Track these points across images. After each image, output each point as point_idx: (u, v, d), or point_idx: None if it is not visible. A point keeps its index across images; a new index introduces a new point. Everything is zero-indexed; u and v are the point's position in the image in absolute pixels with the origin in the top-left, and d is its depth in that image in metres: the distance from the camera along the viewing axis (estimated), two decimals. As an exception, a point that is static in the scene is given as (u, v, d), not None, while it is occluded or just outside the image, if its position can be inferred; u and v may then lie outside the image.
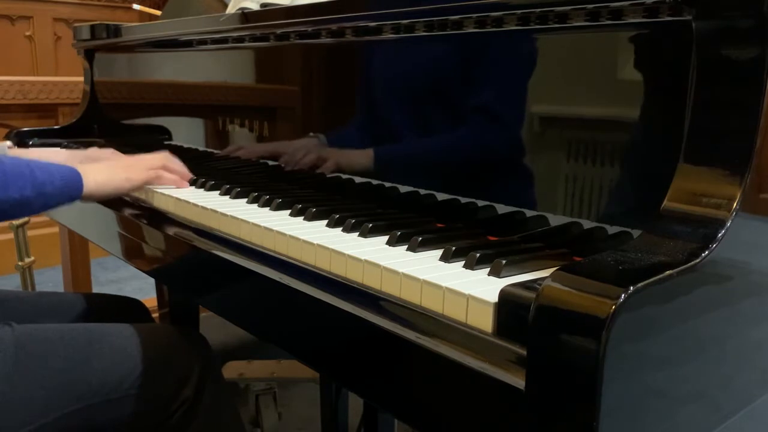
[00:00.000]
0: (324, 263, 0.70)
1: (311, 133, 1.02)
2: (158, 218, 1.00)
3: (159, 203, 1.02)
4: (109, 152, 1.21)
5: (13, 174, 0.86)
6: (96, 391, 0.88)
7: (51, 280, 2.83)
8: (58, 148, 1.27)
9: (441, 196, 0.82)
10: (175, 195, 0.99)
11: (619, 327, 0.43)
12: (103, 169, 1.02)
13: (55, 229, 2.28)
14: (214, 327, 1.52)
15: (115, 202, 1.13)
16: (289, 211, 0.87)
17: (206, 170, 1.14)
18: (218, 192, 1.01)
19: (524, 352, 0.48)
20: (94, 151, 1.24)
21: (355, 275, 0.66)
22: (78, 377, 0.88)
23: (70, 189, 0.94)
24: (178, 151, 1.19)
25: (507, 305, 0.53)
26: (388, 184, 0.89)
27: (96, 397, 0.88)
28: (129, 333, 0.95)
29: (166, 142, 1.41)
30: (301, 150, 1.03)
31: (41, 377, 0.85)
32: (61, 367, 0.87)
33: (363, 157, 0.94)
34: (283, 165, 1.07)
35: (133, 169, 1.04)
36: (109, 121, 1.65)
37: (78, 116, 1.69)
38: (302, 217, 0.84)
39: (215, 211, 0.88)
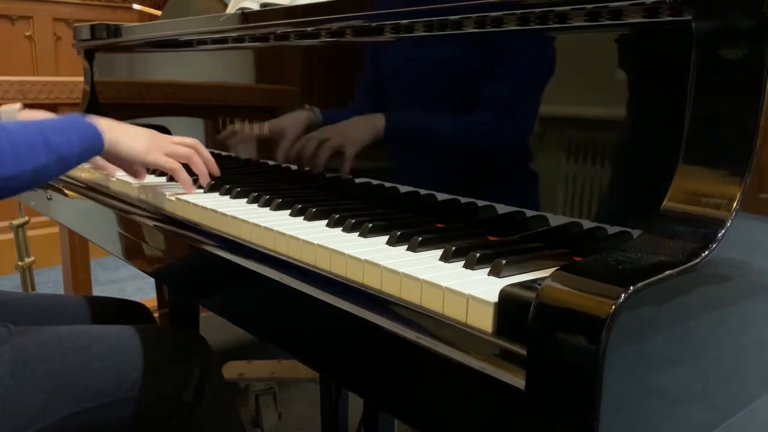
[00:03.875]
0: (324, 263, 0.70)
1: (307, 105, 1.01)
2: (158, 218, 1.00)
3: (159, 203, 1.02)
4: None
5: (25, 144, 0.82)
6: (95, 394, 0.88)
7: (51, 280, 2.84)
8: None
9: (441, 196, 0.82)
10: (174, 195, 0.99)
11: (619, 327, 0.43)
12: (127, 131, 0.98)
13: (55, 229, 2.28)
14: (214, 327, 1.52)
15: (114, 201, 1.13)
16: (289, 211, 0.87)
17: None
18: (218, 192, 1.01)
19: (524, 352, 0.48)
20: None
21: (355, 275, 0.66)
22: (76, 380, 0.87)
23: (90, 146, 0.91)
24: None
25: (507, 305, 0.53)
26: (388, 184, 0.89)
27: (95, 400, 0.87)
28: (128, 335, 0.95)
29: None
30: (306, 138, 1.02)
31: (39, 380, 0.85)
32: (60, 371, 0.87)
33: (362, 156, 0.94)
34: (287, 149, 1.06)
35: (156, 146, 0.99)
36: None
37: (78, 116, 1.68)
38: (302, 217, 0.84)
39: (215, 211, 0.88)
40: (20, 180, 0.82)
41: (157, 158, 0.99)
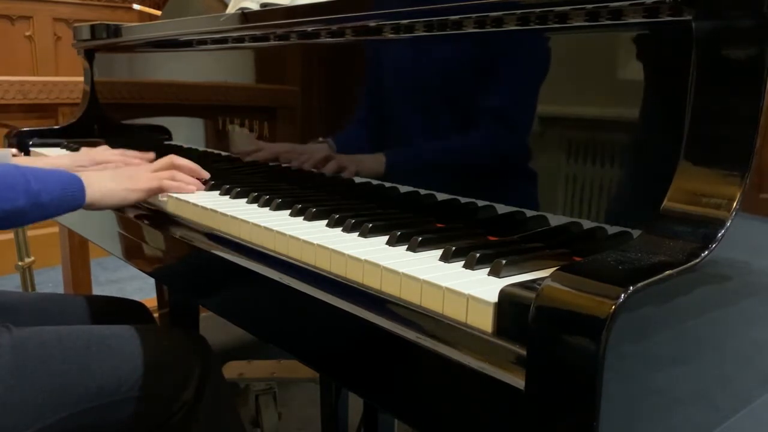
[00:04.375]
0: (324, 263, 0.70)
1: (320, 138, 1.01)
2: (158, 218, 1.00)
3: (159, 203, 1.02)
4: (119, 153, 1.20)
5: (3, 184, 0.84)
6: (95, 394, 0.88)
7: (51, 280, 2.83)
8: (63, 152, 1.26)
9: (441, 196, 0.82)
10: (174, 195, 0.99)
11: (619, 327, 0.43)
12: (108, 178, 0.99)
13: (55, 229, 2.28)
14: (214, 327, 1.52)
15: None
16: (289, 211, 0.87)
17: (206, 170, 1.14)
18: (218, 192, 1.01)
19: (524, 352, 0.48)
20: (101, 152, 1.22)
21: (355, 275, 0.66)
22: (76, 380, 0.87)
23: (70, 199, 0.92)
24: (178, 152, 1.19)
25: (507, 305, 0.53)
26: (388, 184, 0.89)
27: (95, 400, 0.87)
28: (128, 335, 0.95)
29: (166, 142, 1.41)
30: (307, 151, 1.02)
31: (39, 380, 0.85)
32: (60, 371, 0.87)
33: (361, 157, 0.94)
34: (288, 162, 1.07)
35: (138, 179, 1.00)
36: (110, 121, 1.65)
37: (78, 116, 1.69)
38: (302, 217, 0.84)
39: (215, 211, 0.88)
40: None
41: (143, 186, 1.00)
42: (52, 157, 1.23)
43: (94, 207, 0.96)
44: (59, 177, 0.92)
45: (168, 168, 1.04)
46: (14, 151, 1.22)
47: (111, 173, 1.03)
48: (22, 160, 1.18)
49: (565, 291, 0.45)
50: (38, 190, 0.87)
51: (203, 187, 1.05)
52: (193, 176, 1.05)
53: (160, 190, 1.02)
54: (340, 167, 0.97)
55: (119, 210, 1.09)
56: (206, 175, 1.07)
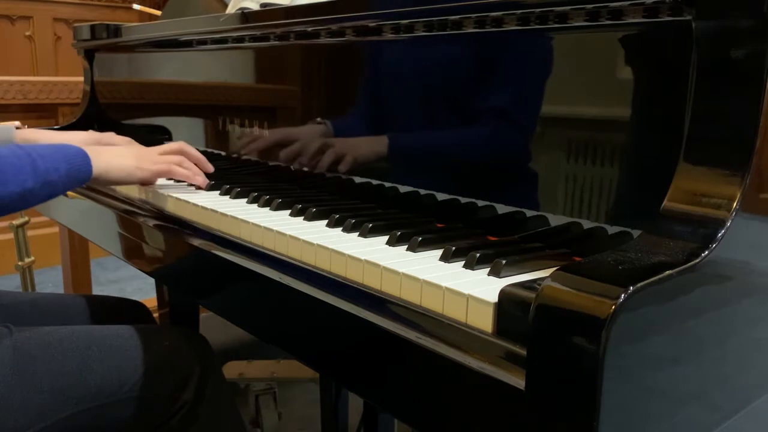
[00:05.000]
0: (324, 263, 0.70)
1: (318, 119, 1.01)
2: (158, 218, 1.00)
3: (159, 203, 1.02)
4: (126, 140, 1.19)
5: (11, 167, 0.83)
6: (95, 394, 0.87)
7: (51, 280, 2.84)
8: (73, 131, 1.24)
9: (441, 196, 0.82)
10: (174, 195, 0.99)
11: (619, 327, 0.43)
12: (115, 153, 0.98)
13: (55, 229, 2.28)
14: (214, 327, 1.52)
15: (114, 201, 1.13)
16: (289, 211, 0.87)
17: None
18: (218, 192, 1.01)
19: (524, 352, 0.48)
20: (110, 136, 1.21)
21: (355, 275, 0.66)
22: (77, 380, 0.87)
23: (77, 173, 0.91)
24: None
25: (507, 305, 0.53)
26: (388, 184, 0.89)
27: (95, 400, 0.87)
28: (129, 335, 0.95)
29: (166, 142, 1.41)
30: (307, 140, 1.02)
31: (40, 380, 0.85)
32: (60, 371, 0.87)
33: (362, 156, 0.94)
34: (287, 155, 1.07)
35: (146, 158, 1.00)
36: (110, 121, 1.65)
37: (78, 116, 1.69)
38: (302, 217, 0.84)
39: (215, 211, 0.88)
40: (5, 203, 0.83)
41: (151, 167, 0.99)
42: (55, 134, 1.21)
43: (101, 180, 0.96)
44: (64, 152, 0.91)
45: (177, 153, 1.03)
46: (17, 123, 1.20)
47: (118, 149, 1.02)
48: (26, 133, 1.16)
49: (565, 291, 0.45)
50: (46, 169, 0.86)
51: (207, 181, 1.05)
52: (198, 166, 1.05)
53: (168, 174, 1.01)
54: (339, 162, 0.97)
55: (118, 209, 1.09)
56: (211, 168, 1.07)
